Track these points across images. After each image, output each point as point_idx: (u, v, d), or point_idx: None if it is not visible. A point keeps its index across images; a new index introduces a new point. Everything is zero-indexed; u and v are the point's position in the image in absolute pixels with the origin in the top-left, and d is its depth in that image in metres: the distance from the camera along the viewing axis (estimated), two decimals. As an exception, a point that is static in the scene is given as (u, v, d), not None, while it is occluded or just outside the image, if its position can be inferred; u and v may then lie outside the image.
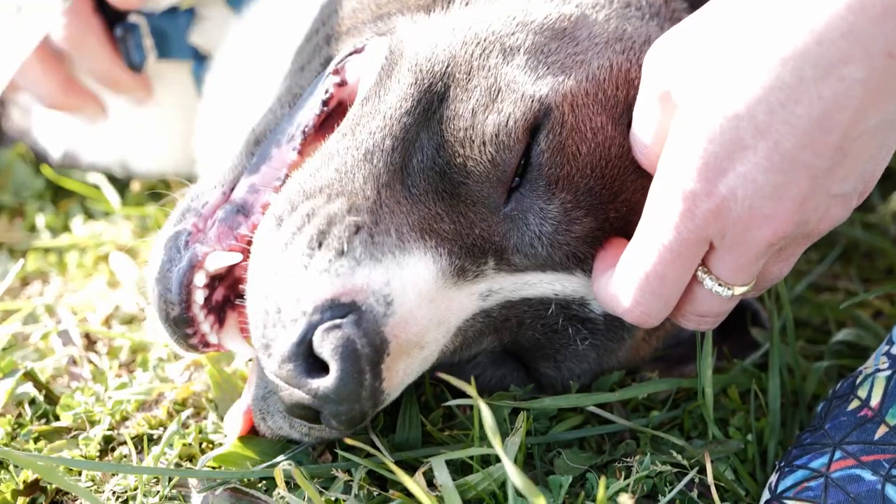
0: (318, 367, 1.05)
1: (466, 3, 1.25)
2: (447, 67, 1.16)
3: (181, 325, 1.13)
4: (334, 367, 1.03)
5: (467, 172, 1.13)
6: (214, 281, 1.14)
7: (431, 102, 1.15)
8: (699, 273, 1.09)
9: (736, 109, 1.00)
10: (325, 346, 1.03)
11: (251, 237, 1.13)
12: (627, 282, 1.10)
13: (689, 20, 1.07)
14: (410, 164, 1.14)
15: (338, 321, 1.04)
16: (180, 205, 1.20)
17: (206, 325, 1.14)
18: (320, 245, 1.08)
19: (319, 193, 1.12)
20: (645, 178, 1.14)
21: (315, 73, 1.28)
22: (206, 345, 1.16)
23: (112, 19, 1.59)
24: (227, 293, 1.16)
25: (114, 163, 1.78)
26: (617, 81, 1.16)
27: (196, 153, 1.65)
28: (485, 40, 1.17)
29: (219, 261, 1.13)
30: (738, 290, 1.09)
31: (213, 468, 1.19)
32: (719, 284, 1.08)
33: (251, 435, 1.20)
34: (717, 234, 1.04)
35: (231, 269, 1.14)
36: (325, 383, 1.03)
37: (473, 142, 1.13)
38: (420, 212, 1.13)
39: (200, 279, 1.12)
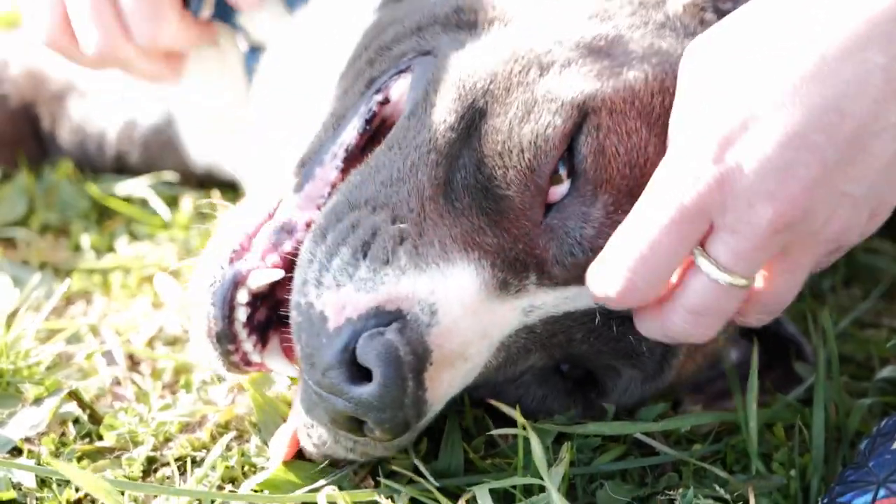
0: (361, 375, 1.05)
1: (505, 24, 1.26)
2: (489, 84, 1.17)
3: (223, 341, 1.14)
4: (377, 374, 1.04)
5: (507, 183, 1.14)
6: (257, 300, 1.15)
7: (473, 118, 1.17)
8: (695, 252, 1.06)
9: (754, 85, 1.03)
10: (369, 352, 1.04)
11: (295, 255, 1.14)
12: (618, 251, 1.07)
13: (722, 22, 1.12)
14: (454, 180, 1.15)
15: (382, 328, 1.05)
16: (224, 224, 1.21)
17: (248, 343, 1.14)
18: (365, 255, 1.09)
19: (364, 205, 1.13)
20: None
21: (358, 95, 1.29)
22: (248, 363, 1.16)
23: None
24: (270, 314, 1.16)
25: (164, 122, 1.80)
26: (652, 90, 1.17)
27: (241, 149, 1.65)
28: (523, 58, 1.19)
29: (261, 277, 1.13)
30: (736, 280, 1.05)
31: (257, 492, 1.19)
32: (716, 268, 1.05)
33: (295, 459, 1.21)
34: (718, 207, 1.03)
35: (273, 289, 1.15)
36: (367, 390, 1.04)
37: (511, 151, 1.14)
38: (463, 225, 1.13)
39: (243, 296, 1.13)
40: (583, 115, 1.14)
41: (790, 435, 1.29)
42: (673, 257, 1.06)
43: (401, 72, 1.27)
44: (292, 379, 1.28)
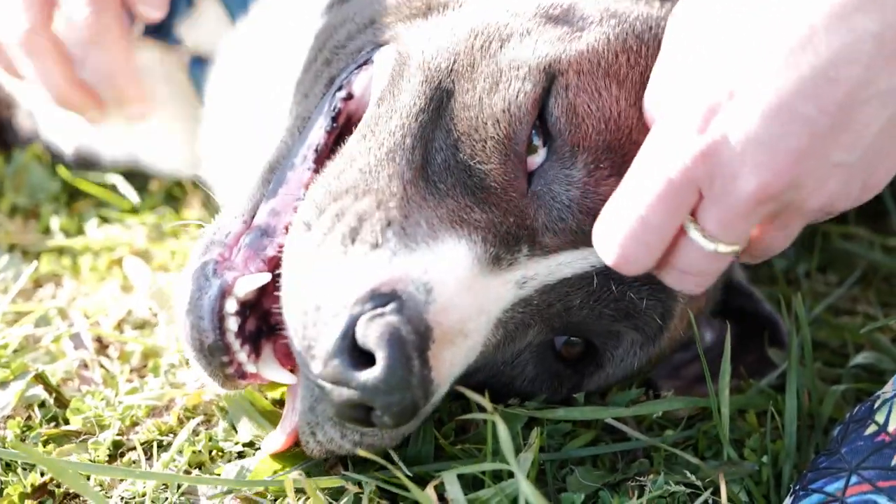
0: (364, 360, 1.03)
1: (461, 5, 1.28)
2: (453, 64, 1.18)
3: (216, 353, 1.12)
4: (381, 356, 1.02)
5: (488, 156, 1.14)
6: (245, 310, 1.13)
7: (442, 99, 1.17)
8: (686, 221, 1.07)
9: (741, 53, 1.01)
10: (370, 334, 1.02)
11: (278, 258, 1.13)
12: (611, 223, 1.08)
13: None
14: (434, 162, 1.15)
15: (380, 310, 1.03)
16: (203, 238, 1.19)
17: (242, 354, 1.13)
18: (353, 241, 1.08)
19: (346, 194, 1.12)
20: None
21: (320, 96, 1.29)
22: (243, 376, 1.14)
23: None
24: (259, 325, 1.15)
25: (126, 160, 1.78)
26: (616, 49, 1.19)
27: (202, 158, 1.64)
28: (483, 33, 1.20)
29: (248, 284, 1.12)
30: (724, 248, 1.06)
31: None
32: (704, 236, 1.06)
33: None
34: (705, 178, 1.03)
35: (261, 298, 1.14)
36: (373, 373, 1.02)
37: (486, 123, 1.14)
38: (448, 205, 1.13)
39: (231, 306, 1.11)
40: (550, 77, 1.15)
41: (763, 421, 1.28)
42: (664, 228, 1.06)
43: (360, 66, 1.28)
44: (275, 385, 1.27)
